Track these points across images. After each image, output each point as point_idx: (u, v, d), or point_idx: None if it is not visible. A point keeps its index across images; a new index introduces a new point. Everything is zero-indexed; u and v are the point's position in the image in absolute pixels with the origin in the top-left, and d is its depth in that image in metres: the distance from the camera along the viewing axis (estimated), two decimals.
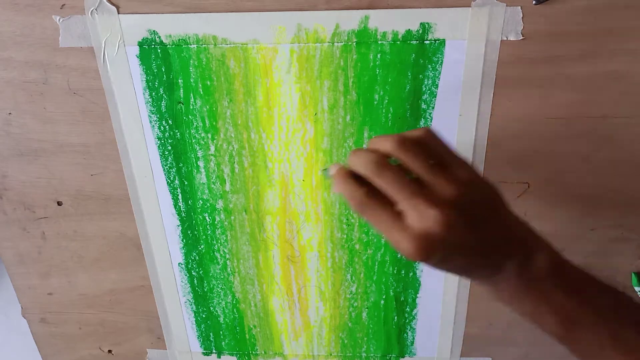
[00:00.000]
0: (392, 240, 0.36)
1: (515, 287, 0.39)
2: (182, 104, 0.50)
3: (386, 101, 0.48)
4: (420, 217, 0.35)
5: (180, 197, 0.54)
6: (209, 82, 0.48)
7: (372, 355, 0.63)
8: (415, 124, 0.49)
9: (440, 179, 0.36)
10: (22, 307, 0.62)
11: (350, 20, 0.45)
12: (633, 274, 0.56)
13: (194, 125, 0.51)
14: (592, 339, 0.39)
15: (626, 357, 0.39)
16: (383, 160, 0.37)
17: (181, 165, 0.53)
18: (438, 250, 0.36)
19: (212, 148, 0.52)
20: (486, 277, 0.39)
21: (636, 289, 0.56)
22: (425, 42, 0.46)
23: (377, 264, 0.57)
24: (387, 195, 0.37)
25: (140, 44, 0.47)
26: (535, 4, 0.43)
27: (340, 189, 0.38)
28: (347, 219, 0.55)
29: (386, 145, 0.38)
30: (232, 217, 0.55)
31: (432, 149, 0.38)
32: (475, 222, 0.37)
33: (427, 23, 0.45)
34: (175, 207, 0.55)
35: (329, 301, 0.60)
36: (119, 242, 0.57)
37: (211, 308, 0.61)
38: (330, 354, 0.64)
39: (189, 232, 0.56)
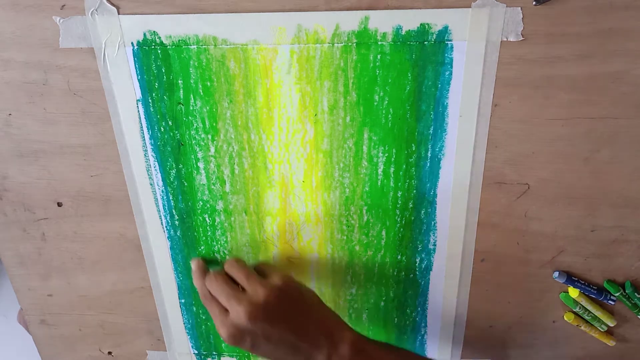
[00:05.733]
0: (216, 327, 0.48)
1: None
2: (182, 105, 0.50)
3: (386, 102, 0.48)
4: (232, 311, 0.47)
5: (180, 198, 0.54)
6: (209, 83, 0.48)
7: None
8: (416, 125, 0.49)
9: (254, 285, 0.49)
10: (20, 314, 0.62)
11: (350, 20, 0.45)
12: (627, 282, 0.56)
13: (194, 127, 0.51)
14: None
15: None
16: (212, 275, 0.51)
17: (181, 166, 0.53)
18: (245, 337, 0.47)
19: (212, 149, 0.51)
20: None
21: (615, 294, 0.56)
22: (425, 42, 0.46)
23: (377, 265, 0.57)
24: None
25: (141, 45, 0.47)
26: (535, 5, 0.43)
27: (194, 281, 0.53)
28: (347, 221, 0.55)
29: (225, 265, 0.53)
30: (232, 218, 0.55)
31: (256, 266, 0.55)
32: (280, 317, 0.47)
33: (427, 24, 0.45)
34: (175, 209, 0.55)
35: (329, 302, 0.59)
36: (119, 243, 0.57)
37: None
38: None
39: (189, 234, 0.56)
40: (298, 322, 0.48)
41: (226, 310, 0.48)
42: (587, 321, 0.58)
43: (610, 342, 0.60)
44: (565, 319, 0.58)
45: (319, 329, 0.48)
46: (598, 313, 0.57)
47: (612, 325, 0.58)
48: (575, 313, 0.58)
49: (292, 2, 0.45)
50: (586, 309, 0.57)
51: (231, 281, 0.50)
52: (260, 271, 0.52)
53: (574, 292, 0.56)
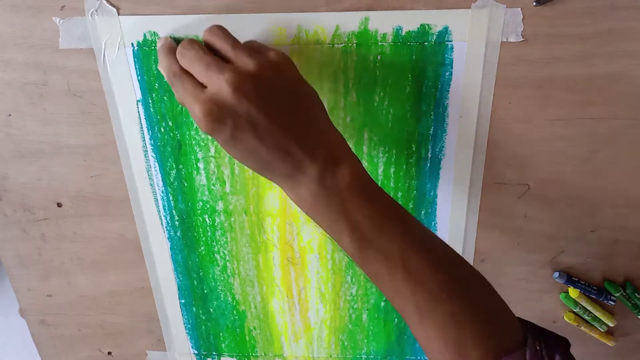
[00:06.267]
0: (189, 108, 0.37)
1: (314, 196, 0.38)
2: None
3: (386, 102, 0.48)
4: (212, 82, 0.36)
5: (180, 198, 0.54)
6: None
7: (372, 357, 0.63)
8: (416, 125, 0.49)
9: (244, 55, 0.37)
10: (21, 309, 0.62)
11: (351, 21, 0.45)
12: (627, 282, 0.56)
13: (194, 127, 0.50)
14: (383, 262, 0.38)
15: (413, 287, 0.37)
16: (186, 43, 0.39)
17: (181, 166, 0.53)
18: (225, 118, 0.36)
19: (212, 149, 0.51)
20: (285, 176, 0.38)
21: (615, 295, 0.56)
22: (425, 43, 0.46)
23: None
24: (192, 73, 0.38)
25: (141, 46, 0.47)
26: (535, 6, 0.43)
27: (160, 62, 0.41)
28: None
29: (204, 32, 0.40)
30: (232, 219, 0.55)
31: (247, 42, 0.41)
32: (273, 102, 0.36)
33: (427, 24, 0.45)
34: (175, 209, 0.55)
35: (329, 303, 0.59)
36: (119, 243, 0.57)
37: (211, 310, 0.61)
38: (331, 356, 0.63)
39: (189, 234, 0.56)
40: (295, 117, 0.38)
41: (203, 86, 0.37)
42: (587, 321, 0.58)
43: (610, 342, 0.60)
44: (565, 319, 0.58)
45: (319, 136, 0.39)
46: (598, 313, 0.57)
47: (612, 325, 0.58)
48: (575, 313, 0.58)
49: (292, 3, 0.45)
50: (586, 310, 0.57)
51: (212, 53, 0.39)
52: (252, 48, 0.40)
53: (574, 293, 0.56)
